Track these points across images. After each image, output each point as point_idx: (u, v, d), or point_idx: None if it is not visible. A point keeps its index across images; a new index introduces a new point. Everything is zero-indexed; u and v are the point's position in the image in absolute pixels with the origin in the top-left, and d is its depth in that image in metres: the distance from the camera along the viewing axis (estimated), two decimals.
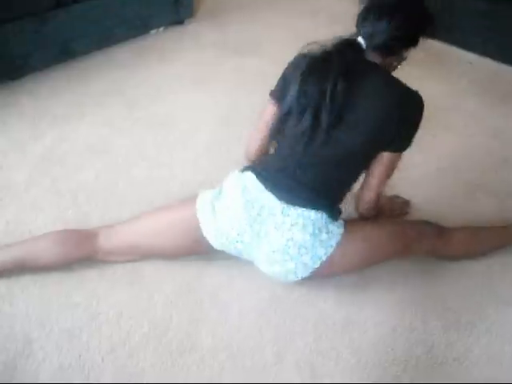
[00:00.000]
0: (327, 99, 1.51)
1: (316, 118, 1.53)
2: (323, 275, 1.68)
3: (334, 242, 1.59)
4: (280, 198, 1.58)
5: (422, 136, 1.66)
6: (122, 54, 3.06)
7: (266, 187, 1.60)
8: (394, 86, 1.59)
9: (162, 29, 3.31)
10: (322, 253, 1.58)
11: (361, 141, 1.56)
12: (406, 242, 1.76)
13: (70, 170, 2.22)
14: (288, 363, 1.59)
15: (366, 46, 1.57)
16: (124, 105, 2.64)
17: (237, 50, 3.16)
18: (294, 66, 1.67)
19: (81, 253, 1.74)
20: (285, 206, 1.58)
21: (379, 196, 1.70)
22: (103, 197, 2.10)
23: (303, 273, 1.61)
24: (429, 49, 3.26)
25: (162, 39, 3.25)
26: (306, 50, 1.62)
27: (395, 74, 1.67)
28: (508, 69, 3.12)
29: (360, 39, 1.57)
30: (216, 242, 1.67)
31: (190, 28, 3.40)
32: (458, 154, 2.44)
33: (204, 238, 1.67)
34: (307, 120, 1.54)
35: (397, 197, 2.11)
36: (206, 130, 2.48)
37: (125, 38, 3.13)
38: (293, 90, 1.57)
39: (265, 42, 3.27)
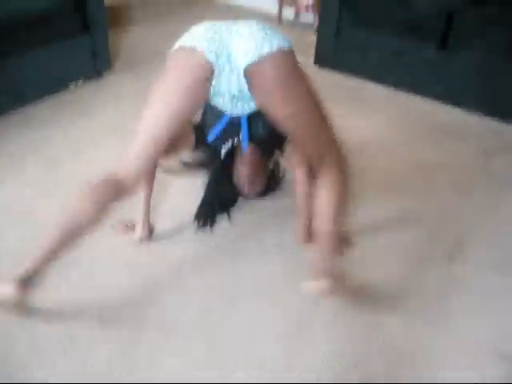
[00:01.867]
0: None
1: None
2: (255, 85, 1.74)
3: (283, 43, 1.72)
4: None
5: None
6: (40, 111, 3.01)
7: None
8: None
9: (80, 82, 3.29)
10: (276, 43, 1.70)
11: None
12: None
13: None
14: None
15: None
16: (45, 165, 2.58)
17: None
18: None
19: (112, 195, 1.72)
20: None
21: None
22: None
23: (255, 52, 1.68)
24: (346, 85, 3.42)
25: (80, 93, 3.23)
26: None
27: None
28: (424, 102, 3.28)
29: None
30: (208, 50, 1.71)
31: (109, 80, 3.39)
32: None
33: (200, 59, 1.71)
34: None
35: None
36: None
37: (42, 95, 3.09)
38: None
39: None
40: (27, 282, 1.66)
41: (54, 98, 3.13)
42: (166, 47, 3.64)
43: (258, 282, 2.00)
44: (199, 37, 1.76)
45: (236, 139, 2.11)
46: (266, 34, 1.72)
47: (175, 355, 1.71)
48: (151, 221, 2.18)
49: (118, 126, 2.92)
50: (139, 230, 2.14)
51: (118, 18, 4.13)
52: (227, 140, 2.12)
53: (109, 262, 2.06)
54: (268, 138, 2.10)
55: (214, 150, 2.17)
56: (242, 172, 2.17)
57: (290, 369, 1.69)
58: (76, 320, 1.81)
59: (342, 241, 2.02)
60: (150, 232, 2.17)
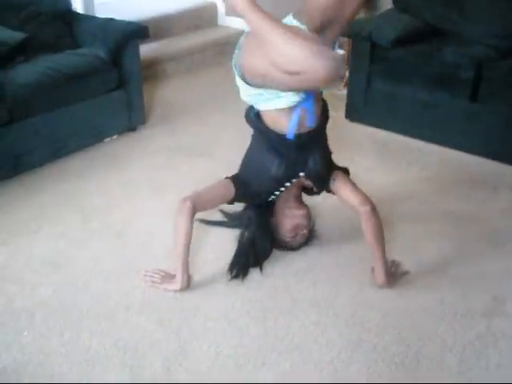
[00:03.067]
0: None
1: None
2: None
3: None
4: None
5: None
6: (76, 163, 3.09)
7: None
8: None
9: (115, 136, 3.37)
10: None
11: None
12: None
13: (25, 287, 2.17)
14: None
15: None
16: (79, 216, 2.63)
17: (189, 154, 3.23)
18: None
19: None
20: None
21: None
22: (61, 314, 2.04)
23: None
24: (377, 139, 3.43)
25: (115, 147, 3.30)
26: None
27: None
28: (456, 154, 3.27)
29: None
30: None
31: (143, 134, 3.47)
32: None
33: None
34: None
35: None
36: (164, 237, 2.47)
37: (78, 148, 3.18)
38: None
39: (216, 145, 3.35)
40: None
41: (90, 151, 3.21)
42: (199, 100, 3.73)
43: (291, 336, 1.97)
44: None
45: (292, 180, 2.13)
46: None
47: None
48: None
49: (150, 179, 2.97)
50: (179, 279, 2.13)
51: (152, 72, 4.23)
52: (279, 186, 2.14)
53: (143, 314, 2.06)
54: (324, 171, 2.13)
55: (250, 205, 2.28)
56: (297, 224, 2.24)
57: None
58: (108, 373, 1.80)
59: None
60: (189, 281, 2.17)
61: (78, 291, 2.16)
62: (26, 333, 1.96)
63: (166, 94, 4.08)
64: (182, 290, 2.13)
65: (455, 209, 2.73)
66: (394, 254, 2.28)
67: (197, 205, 2.06)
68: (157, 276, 2.19)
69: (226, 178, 2.16)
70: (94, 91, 3.15)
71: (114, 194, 2.81)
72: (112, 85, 3.24)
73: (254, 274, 2.25)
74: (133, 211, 2.68)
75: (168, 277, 2.18)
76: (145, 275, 2.20)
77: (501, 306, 2.11)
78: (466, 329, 2.01)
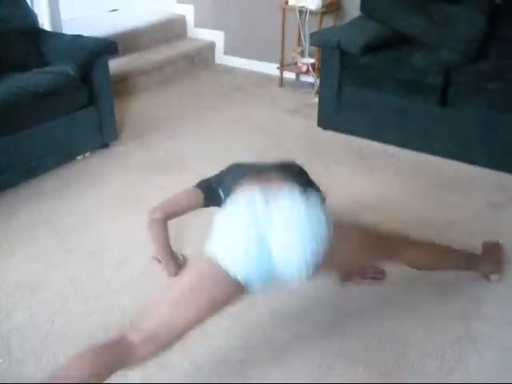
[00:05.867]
0: None
1: None
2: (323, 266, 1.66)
3: (327, 223, 1.61)
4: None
5: None
6: (49, 183, 3.05)
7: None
8: None
9: (88, 154, 3.34)
10: (321, 234, 1.59)
11: None
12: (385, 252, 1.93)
13: (0, 313, 2.13)
14: None
15: None
16: (55, 236, 2.60)
17: (163, 168, 3.22)
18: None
19: (113, 363, 1.56)
20: (262, 191, 1.63)
21: None
22: (38, 339, 2.01)
23: (311, 263, 1.58)
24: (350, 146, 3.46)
25: (88, 164, 3.27)
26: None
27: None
28: (429, 158, 3.30)
29: None
30: (238, 269, 1.59)
31: (116, 150, 3.44)
32: None
33: (231, 278, 1.59)
34: None
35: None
36: (141, 254, 2.45)
37: (51, 167, 3.14)
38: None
39: (189, 157, 3.35)
40: None
41: (63, 169, 3.17)
42: (171, 113, 3.72)
43: (270, 349, 1.96)
44: (237, 256, 1.60)
45: None
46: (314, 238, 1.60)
47: None
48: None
49: (124, 196, 2.95)
50: (167, 270, 2.29)
51: (123, 87, 4.20)
52: None
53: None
54: None
55: None
56: None
57: None
58: None
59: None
60: (178, 270, 2.29)
61: (55, 314, 2.13)
62: (1, 360, 1.92)
63: (137, 109, 4.06)
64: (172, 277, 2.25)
65: (430, 213, 2.76)
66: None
67: (166, 213, 2.20)
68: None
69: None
70: (64, 109, 3.12)
71: (89, 213, 2.78)
72: (82, 102, 3.21)
73: None
74: (108, 229, 2.65)
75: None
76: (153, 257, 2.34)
77: (479, 307, 2.14)
78: (444, 333, 2.03)
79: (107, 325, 2.06)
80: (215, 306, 1.67)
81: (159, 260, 2.31)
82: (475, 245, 2.35)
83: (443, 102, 3.20)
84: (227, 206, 1.68)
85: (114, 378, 1.55)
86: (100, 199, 2.91)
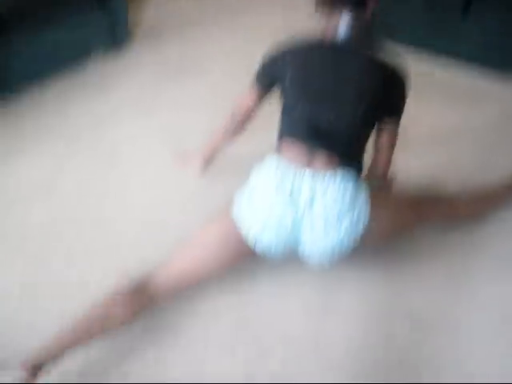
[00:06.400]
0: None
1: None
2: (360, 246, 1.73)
3: (365, 199, 1.67)
4: (307, 165, 1.67)
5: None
6: (62, 85, 3.00)
7: (291, 161, 1.68)
8: (378, 63, 1.77)
9: (100, 56, 3.27)
10: (359, 211, 1.65)
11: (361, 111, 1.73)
12: (420, 212, 1.91)
13: (15, 214, 2.17)
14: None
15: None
16: (68, 138, 2.60)
17: (178, 70, 3.15)
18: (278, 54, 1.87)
19: (141, 307, 1.69)
20: (311, 177, 1.64)
21: (388, 169, 1.89)
22: (53, 238, 2.06)
23: (347, 240, 1.65)
24: None
25: (100, 66, 3.21)
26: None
27: None
28: (446, 65, 3.19)
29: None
30: (261, 244, 1.69)
31: (129, 52, 3.36)
32: None
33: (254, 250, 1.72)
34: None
35: None
36: (154, 156, 2.46)
37: (63, 69, 3.08)
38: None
39: (205, 62, 3.26)
40: (38, 370, 1.54)
41: (74, 72, 3.12)
42: (186, 15, 3.57)
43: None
44: (267, 238, 1.67)
45: None
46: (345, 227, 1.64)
47: None
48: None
49: (137, 99, 2.91)
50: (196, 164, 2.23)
51: None
52: None
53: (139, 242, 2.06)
54: None
55: None
56: None
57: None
58: None
59: None
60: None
61: (69, 215, 2.17)
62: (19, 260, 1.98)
63: (152, 10, 3.92)
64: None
65: (442, 121, 2.70)
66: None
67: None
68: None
69: None
70: (74, 8, 3.01)
71: (101, 115, 2.76)
72: (94, 2, 3.11)
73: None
74: (122, 132, 2.64)
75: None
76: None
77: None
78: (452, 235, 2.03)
79: (122, 221, 2.12)
80: (232, 265, 1.80)
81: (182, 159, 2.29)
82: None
83: (465, 8, 3.04)
84: (270, 174, 1.68)
85: (114, 378, 1.59)
86: (112, 102, 2.87)
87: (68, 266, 1.95)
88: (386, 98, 1.77)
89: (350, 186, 1.65)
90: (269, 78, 1.90)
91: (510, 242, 2.04)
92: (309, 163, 1.68)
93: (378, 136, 1.86)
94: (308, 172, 1.65)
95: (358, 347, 1.68)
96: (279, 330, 1.74)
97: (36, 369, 1.51)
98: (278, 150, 1.79)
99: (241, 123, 2.03)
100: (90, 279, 1.89)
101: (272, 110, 1.92)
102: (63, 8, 2.97)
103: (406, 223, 1.89)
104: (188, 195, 2.24)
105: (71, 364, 1.62)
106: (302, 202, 1.62)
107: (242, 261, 1.81)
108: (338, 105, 1.72)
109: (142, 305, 1.68)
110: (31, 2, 2.82)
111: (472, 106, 2.81)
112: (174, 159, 2.30)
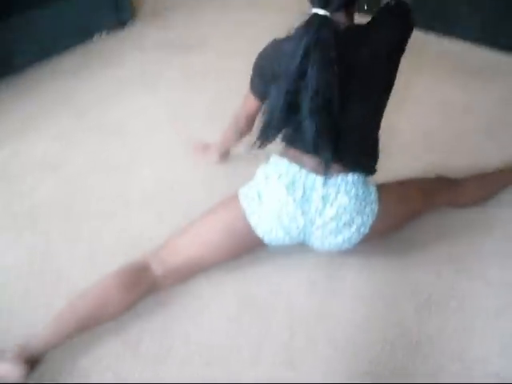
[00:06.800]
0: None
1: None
2: (369, 238, 1.73)
3: (374, 198, 1.66)
4: (316, 171, 1.61)
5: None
6: (67, 62, 3.00)
7: (301, 166, 1.63)
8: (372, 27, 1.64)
9: (104, 33, 3.25)
10: (369, 211, 1.65)
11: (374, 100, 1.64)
12: (427, 197, 1.89)
13: (24, 188, 2.17)
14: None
15: (330, 13, 1.47)
16: (74, 114, 2.59)
17: (182, 48, 3.13)
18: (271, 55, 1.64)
19: (143, 291, 1.64)
20: (322, 180, 1.61)
21: None
22: (63, 213, 2.06)
23: (356, 238, 1.67)
24: None
25: (105, 44, 3.20)
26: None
27: None
28: (449, 41, 3.18)
29: (318, 11, 1.47)
30: (269, 237, 1.69)
31: (133, 30, 3.35)
32: None
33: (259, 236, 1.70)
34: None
35: None
36: (161, 131, 2.45)
37: (68, 47, 3.08)
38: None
39: (210, 38, 3.24)
40: (34, 361, 1.51)
41: (79, 49, 3.11)
42: None
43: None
44: (273, 220, 1.64)
45: None
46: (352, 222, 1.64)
47: None
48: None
49: (142, 75, 2.90)
50: (213, 153, 2.22)
51: None
52: None
53: (143, 208, 2.08)
54: None
55: None
56: None
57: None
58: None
59: None
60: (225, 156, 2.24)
61: (78, 189, 2.17)
62: (27, 233, 1.98)
63: None
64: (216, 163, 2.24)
65: (450, 99, 2.70)
66: (388, 147, 2.26)
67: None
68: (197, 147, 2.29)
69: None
70: None
71: (107, 92, 2.75)
72: None
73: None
74: (128, 108, 2.63)
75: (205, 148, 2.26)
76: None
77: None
78: (460, 215, 2.03)
79: (129, 200, 2.11)
80: (237, 254, 1.78)
81: (200, 149, 2.28)
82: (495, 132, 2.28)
83: None
84: (280, 173, 1.64)
85: (114, 378, 1.55)
86: (117, 79, 2.86)
87: (76, 239, 1.94)
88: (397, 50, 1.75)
89: (360, 188, 1.63)
90: (264, 83, 1.69)
91: None
92: (318, 167, 1.61)
93: None
94: (319, 176, 1.61)
95: (362, 328, 1.69)
96: (284, 309, 1.75)
97: (33, 360, 1.49)
98: (285, 152, 1.71)
99: (246, 127, 1.94)
100: (99, 254, 1.89)
101: None
102: None
103: (415, 213, 1.89)
104: (197, 172, 2.23)
105: (71, 362, 1.59)
106: (313, 205, 1.61)
107: (250, 250, 1.79)
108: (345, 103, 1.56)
109: (144, 287, 1.64)
110: None
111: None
112: (194, 151, 2.28)
